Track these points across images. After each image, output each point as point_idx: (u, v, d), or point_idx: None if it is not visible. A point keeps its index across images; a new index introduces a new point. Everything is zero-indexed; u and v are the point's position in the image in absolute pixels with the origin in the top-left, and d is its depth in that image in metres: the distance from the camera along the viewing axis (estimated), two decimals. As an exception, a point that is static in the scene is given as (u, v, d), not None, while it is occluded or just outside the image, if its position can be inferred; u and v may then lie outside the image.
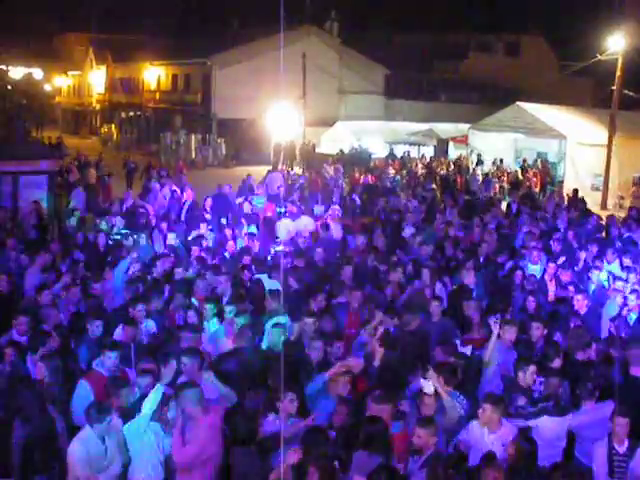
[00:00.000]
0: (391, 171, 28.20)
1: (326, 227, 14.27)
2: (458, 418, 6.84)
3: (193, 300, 9.57)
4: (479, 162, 30.60)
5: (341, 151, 33.80)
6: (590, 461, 6.75)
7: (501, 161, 29.72)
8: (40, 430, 6.48)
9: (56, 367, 7.15)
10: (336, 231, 14.63)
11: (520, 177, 26.52)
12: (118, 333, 8.32)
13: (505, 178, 27.18)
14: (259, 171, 26.03)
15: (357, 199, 19.46)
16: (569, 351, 8.18)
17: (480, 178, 27.02)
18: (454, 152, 34.60)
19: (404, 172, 28.87)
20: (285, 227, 14.45)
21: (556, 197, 21.13)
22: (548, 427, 6.82)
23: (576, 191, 21.06)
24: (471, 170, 29.28)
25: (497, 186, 26.15)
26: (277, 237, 14.20)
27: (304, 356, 7.80)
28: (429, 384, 6.83)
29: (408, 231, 14.45)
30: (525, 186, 26.15)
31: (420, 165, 30.90)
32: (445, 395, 6.85)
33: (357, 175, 26.68)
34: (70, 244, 12.87)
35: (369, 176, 26.28)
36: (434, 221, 15.56)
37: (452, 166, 30.70)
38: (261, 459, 6.17)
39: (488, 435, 6.46)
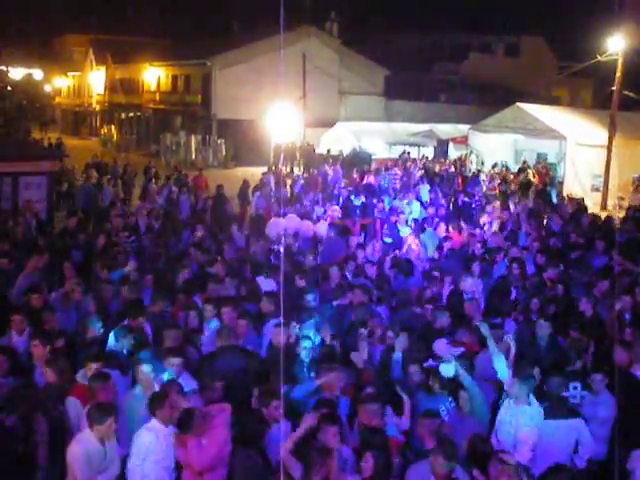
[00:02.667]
0: (397, 172, 28.16)
1: (332, 228, 14.28)
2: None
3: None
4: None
5: (328, 151, 33.84)
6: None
7: (505, 162, 29.61)
8: (59, 422, 6.54)
9: (61, 370, 7.15)
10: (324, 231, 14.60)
11: (531, 178, 26.46)
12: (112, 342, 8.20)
13: (510, 178, 27.05)
14: (259, 172, 26.04)
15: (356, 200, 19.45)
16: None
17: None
18: (454, 153, 34.60)
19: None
20: (276, 226, 14.39)
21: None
22: (548, 431, 6.77)
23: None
24: (470, 170, 29.24)
25: (497, 187, 26.06)
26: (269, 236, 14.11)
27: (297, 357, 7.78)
28: (449, 367, 6.95)
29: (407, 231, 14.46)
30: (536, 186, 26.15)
31: (419, 165, 30.81)
32: (467, 378, 6.97)
33: (356, 176, 26.65)
34: (70, 244, 12.83)
35: (367, 177, 26.27)
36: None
37: (451, 167, 30.63)
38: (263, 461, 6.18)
39: (513, 406, 6.64)
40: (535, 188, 24.12)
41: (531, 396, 6.71)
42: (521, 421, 6.56)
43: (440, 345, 7.81)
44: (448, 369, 6.97)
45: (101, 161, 27.39)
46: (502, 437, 6.64)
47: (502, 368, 7.17)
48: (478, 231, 14.96)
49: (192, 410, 6.27)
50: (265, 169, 27.52)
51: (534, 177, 26.72)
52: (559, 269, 11.47)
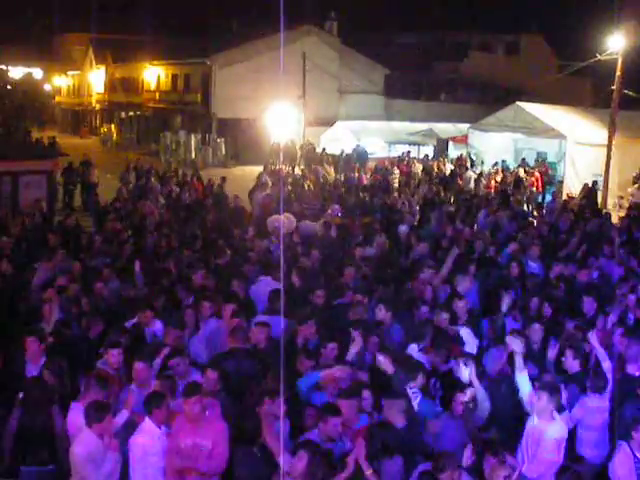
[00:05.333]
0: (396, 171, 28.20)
1: (327, 226, 14.26)
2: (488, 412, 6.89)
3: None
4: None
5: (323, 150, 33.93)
6: (586, 450, 6.85)
7: (503, 162, 29.57)
8: (36, 422, 6.57)
9: (60, 370, 7.15)
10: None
11: (523, 176, 26.48)
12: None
13: (499, 178, 27.03)
14: (259, 171, 26.06)
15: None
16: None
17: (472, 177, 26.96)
18: (454, 152, 34.55)
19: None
20: (273, 222, 14.42)
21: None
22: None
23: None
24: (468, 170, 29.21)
25: (492, 185, 26.06)
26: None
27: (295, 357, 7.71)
28: (466, 370, 6.90)
29: (404, 229, 14.47)
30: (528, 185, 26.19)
31: (419, 165, 30.79)
32: (478, 386, 6.89)
33: (356, 174, 26.71)
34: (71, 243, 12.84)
35: (363, 176, 26.37)
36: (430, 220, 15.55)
37: (452, 166, 30.59)
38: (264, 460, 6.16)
39: (538, 420, 6.52)
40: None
41: (554, 412, 6.55)
42: (543, 444, 6.41)
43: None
44: (465, 372, 7.00)
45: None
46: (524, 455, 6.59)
47: (525, 385, 7.03)
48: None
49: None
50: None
51: (528, 175, 26.68)
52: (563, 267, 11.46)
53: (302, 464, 5.51)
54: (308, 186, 23.08)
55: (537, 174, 26.79)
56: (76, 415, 6.45)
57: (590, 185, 24.35)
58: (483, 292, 10.75)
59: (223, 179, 20.83)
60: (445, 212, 16.91)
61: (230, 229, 14.17)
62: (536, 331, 8.46)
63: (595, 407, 7.13)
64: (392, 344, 8.45)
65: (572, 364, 7.57)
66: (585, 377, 7.34)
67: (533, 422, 6.59)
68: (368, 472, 5.60)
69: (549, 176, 27.51)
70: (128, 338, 7.97)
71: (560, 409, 6.89)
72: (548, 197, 25.18)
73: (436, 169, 29.61)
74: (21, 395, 6.74)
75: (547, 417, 6.50)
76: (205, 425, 6.25)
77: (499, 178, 26.75)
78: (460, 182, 26.33)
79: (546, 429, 6.46)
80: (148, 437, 6.23)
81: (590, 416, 7.12)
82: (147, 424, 6.29)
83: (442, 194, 23.34)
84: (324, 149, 34.17)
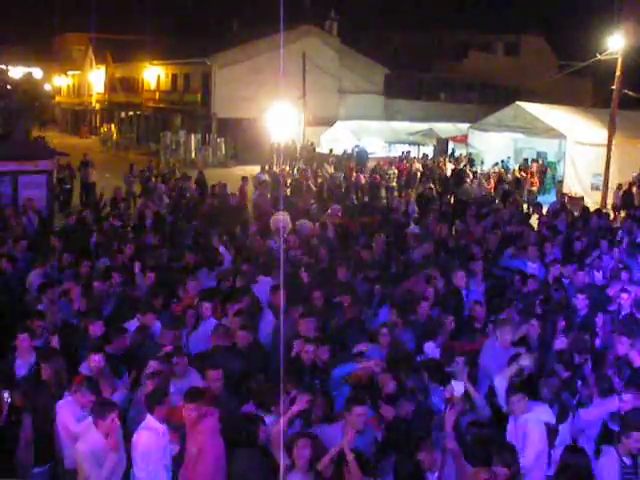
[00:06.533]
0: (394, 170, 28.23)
1: (324, 226, 14.29)
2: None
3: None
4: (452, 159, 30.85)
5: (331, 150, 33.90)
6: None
7: (502, 161, 29.55)
8: (45, 423, 6.62)
9: (59, 368, 7.17)
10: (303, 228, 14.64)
11: (521, 176, 26.50)
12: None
13: (496, 178, 27.02)
14: (258, 171, 26.07)
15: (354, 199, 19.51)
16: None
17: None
18: (458, 152, 34.56)
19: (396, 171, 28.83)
20: (276, 222, 14.49)
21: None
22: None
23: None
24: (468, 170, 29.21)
25: (492, 186, 26.07)
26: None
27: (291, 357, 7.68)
28: (460, 385, 6.91)
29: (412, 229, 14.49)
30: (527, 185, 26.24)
31: (419, 165, 30.80)
32: (475, 394, 6.94)
33: (355, 175, 26.71)
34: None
35: (361, 175, 26.39)
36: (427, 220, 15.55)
37: (452, 165, 30.61)
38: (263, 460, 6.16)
39: (515, 421, 6.59)
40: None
41: (533, 405, 6.63)
42: (529, 436, 6.45)
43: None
44: (459, 387, 7.01)
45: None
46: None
47: (501, 390, 7.05)
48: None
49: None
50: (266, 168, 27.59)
51: (526, 175, 26.70)
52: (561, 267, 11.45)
53: (307, 452, 5.62)
54: (308, 186, 23.08)
55: (532, 173, 26.85)
56: (65, 407, 6.57)
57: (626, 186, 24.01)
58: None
59: (245, 179, 20.79)
60: (442, 211, 16.93)
61: (229, 226, 14.19)
62: (534, 327, 8.50)
63: (593, 420, 7.02)
64: (404, 349, 8.43)
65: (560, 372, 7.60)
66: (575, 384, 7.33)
67: (512, 423, 6.64)
68: (349, 458, 5.66)
69: (535, 175, 27.44)
70: (132, 339, 7.99)
71: (566, 414, 6.92)
72: (545, 197, 25.23)
73: (437, 169, 29.62)
74: (6, 395, 6.70)
75: (524, 413, 6.55)
76: (197, 432, 6.23)
77: (497, 178, 26.77)
78: (467, 181, 26.31)
79: (526, 423, 6.50)
80: (151, 434, 6.22)
81: (588, 430, 7.04)
82: (149, 421, 6.29)
83: (441, 194, 23.34)
84: (331, 150, 34.16)
